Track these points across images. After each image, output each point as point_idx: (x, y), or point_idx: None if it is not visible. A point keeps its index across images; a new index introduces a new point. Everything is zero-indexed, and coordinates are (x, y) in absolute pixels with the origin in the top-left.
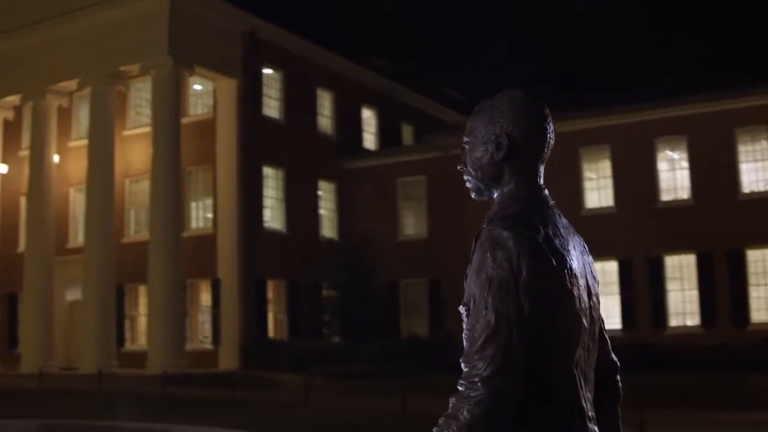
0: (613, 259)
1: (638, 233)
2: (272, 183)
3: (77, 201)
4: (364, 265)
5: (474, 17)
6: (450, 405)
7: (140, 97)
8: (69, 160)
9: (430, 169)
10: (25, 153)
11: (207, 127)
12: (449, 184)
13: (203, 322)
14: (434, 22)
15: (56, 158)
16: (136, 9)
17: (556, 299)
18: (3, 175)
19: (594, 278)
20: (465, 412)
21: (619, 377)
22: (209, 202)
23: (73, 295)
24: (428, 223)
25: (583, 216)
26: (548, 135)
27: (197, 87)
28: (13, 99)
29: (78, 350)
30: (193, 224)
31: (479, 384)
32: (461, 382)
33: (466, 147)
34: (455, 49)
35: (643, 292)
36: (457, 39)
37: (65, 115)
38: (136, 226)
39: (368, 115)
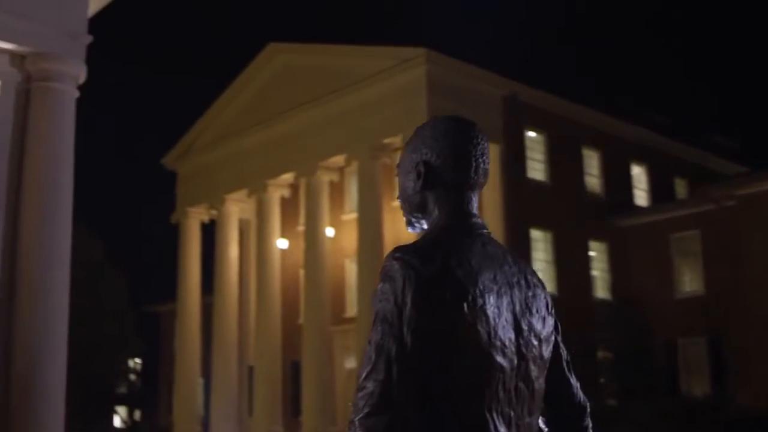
0: None
1: None
2: (541, 246)
3: (352, 272)
4: (639, 325)
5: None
6: None
7: None
8: (343, 233)
9: (704, 223)
10: (301, 228)
11: None
12: (725, 238)
13: None
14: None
15: (331, 231)
16: (395, 83)
17: (449, 334)
18: (283, 249)
19: (537, 313)
20: None
21: (589, 421)
22: None
23: (352, 363)
24: (704, 278)
25: None
26: (473, 159)
27: None
28: (288, 177)
29: None
30: None
31: (356, 424)
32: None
33: (398, 178)
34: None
35: None
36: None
37: (337, 190)
38: None
39: (638, 172)
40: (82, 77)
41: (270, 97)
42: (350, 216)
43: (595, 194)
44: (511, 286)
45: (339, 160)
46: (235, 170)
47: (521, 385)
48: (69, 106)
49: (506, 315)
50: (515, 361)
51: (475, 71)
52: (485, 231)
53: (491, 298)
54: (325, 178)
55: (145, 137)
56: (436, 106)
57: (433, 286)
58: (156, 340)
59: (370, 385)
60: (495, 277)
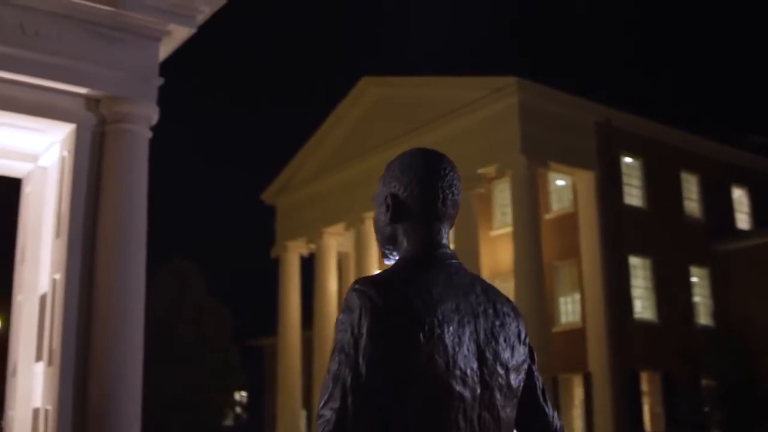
0: None
1: None
2: (640, 273)
3: None
4: (743, 352)
5: None
6: None
7: (504, 197)
8: None
9: None
10: None
11: (570, 221)
12: None
13: (576, 417)
14: None
15: None
16: (488, 113)
17: (405, 363)
18: None
19: (505, 342)
20: None
21: None
22: (577, 296)
23: None
24: None
25: None
26: (440, 192)
27: (560, 182)
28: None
29: None
30: (563, 319)
31: None
32: None
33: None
34: None
35: None
36: None
37: None
38: None
39: (739, 194)
40: (155, 118)
41: (364, 130)
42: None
43: (695, 219)
44: (476, 316)
45: None
46: (332, 204)
47: (485, 414)
48: (142, 147)
49: (469, 344)
50: (478, 390)
51: (567, 98)
52: (454, 261)
53: (451, 327)
54: None
55: (244, 173)
56: (529, 134)
57: (388, 316)
58: (260, 373)
59: (327, 413)
60: (458, 306)
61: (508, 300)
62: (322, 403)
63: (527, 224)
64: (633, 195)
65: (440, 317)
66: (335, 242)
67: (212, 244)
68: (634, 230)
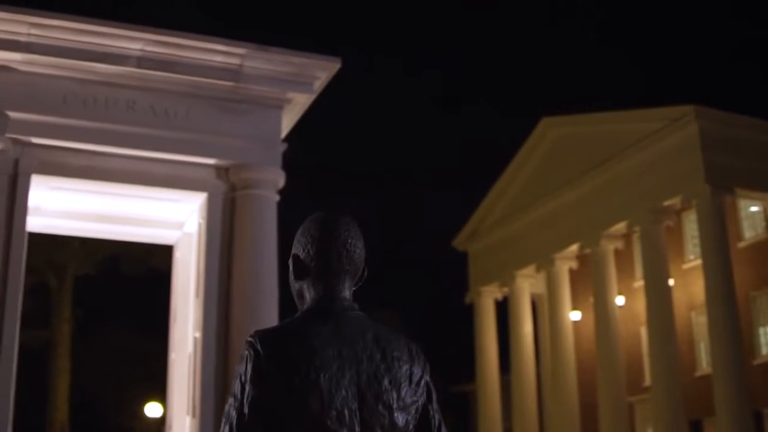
0: None
1: None
2: None
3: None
4: None
5: None
6: None
7: (694, 228)
8: (636, 300)
9: None
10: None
11: (765, 249)
12: None
13: None
14: None
15: (621, 300)
16: (668, 144)
17: (281, 405)
18: (576, 321)
19: (390, 384)
20: None
21: None
22: None
23: None
24: None
25: None
26: (333, 251)
27: (753, 208)
28: (574, 249)
29: None
30: (764, 350)
31: None
32: None
33: None
34: None
35: None
36: None
37: (626, 257)
38: (708, 359)
39: None
40: (281, 182)
41: (547, 171)
42: (641, 283)
43: None
44: (359, 361)
45: (621, 227)
46: (522, 246)
47: None
48: (271, 210)
49: (348, 387)
50: (357, 428)
51: (749, 121)
52: (349, 312)
53: (328, 372)
54: (609, 247)
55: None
56: (713, 162)
57: (269, 363)
58: (465, 419)
59: None
60: (340, 353)
61: (407, 346)
62: None
63: (717, 254)
64: None
65: (317, 363)
66: (527, 284)
67: (406, 292)
68: None
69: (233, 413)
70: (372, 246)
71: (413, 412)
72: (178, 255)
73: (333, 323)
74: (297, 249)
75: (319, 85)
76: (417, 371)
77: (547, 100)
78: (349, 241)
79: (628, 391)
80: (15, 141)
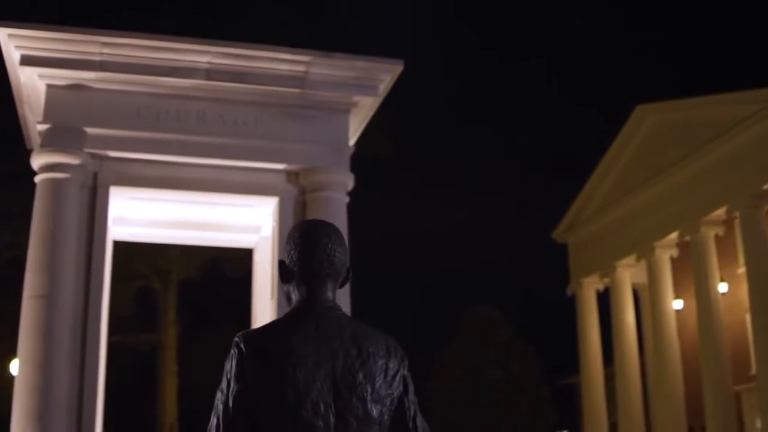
0: None
1: None
2: None
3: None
4: None
5: None
6: None
7: None
8: (739, 287)
9: None
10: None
11: None
12: None
13: None
14: None
15: (724, 287)
16: (765, 126)
17: (260, 397)
18: (679, 310)
19: (364, 378)
20: None
21: None
22: None
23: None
24: None
25: None
26: (314, 255)
27: None
28: (674, 237)
29: None
30: None
31: None
32: None
33: None
34: None
35: None
36: None
37: (729, 243)
38: None
39: None
40: (350, 184)
41: (644, 159)
42: (744, 269)
43: None
44: (335, 357)
45: (721, 213)
46: (621, 236)
47: None
48: (340, 211)
49: (324, 381)
50: (331, 420)
51: None
52: (330, 312)
53: (305, 368)
54: (709, 234)
55: (533, 213)
56: None
57: (250, 361)
58: (572, 411)
59: None
60: (317, 350)
61: (386, 342)
62: (208, 427)
63: None
64: None
65: (295, 360)
66: (629, 274)
67: (508, 287)
68: None
69: (220, 406)
70: (467, 248)
71: (388, 403)
72: (257, 258)
73: (314, 322)
74: (283, 255)
75: (383, 87)
76: (393, 365)
77: (640, 88)
78: (330, 246)
79: (735, 380)
80: (93, 155)
